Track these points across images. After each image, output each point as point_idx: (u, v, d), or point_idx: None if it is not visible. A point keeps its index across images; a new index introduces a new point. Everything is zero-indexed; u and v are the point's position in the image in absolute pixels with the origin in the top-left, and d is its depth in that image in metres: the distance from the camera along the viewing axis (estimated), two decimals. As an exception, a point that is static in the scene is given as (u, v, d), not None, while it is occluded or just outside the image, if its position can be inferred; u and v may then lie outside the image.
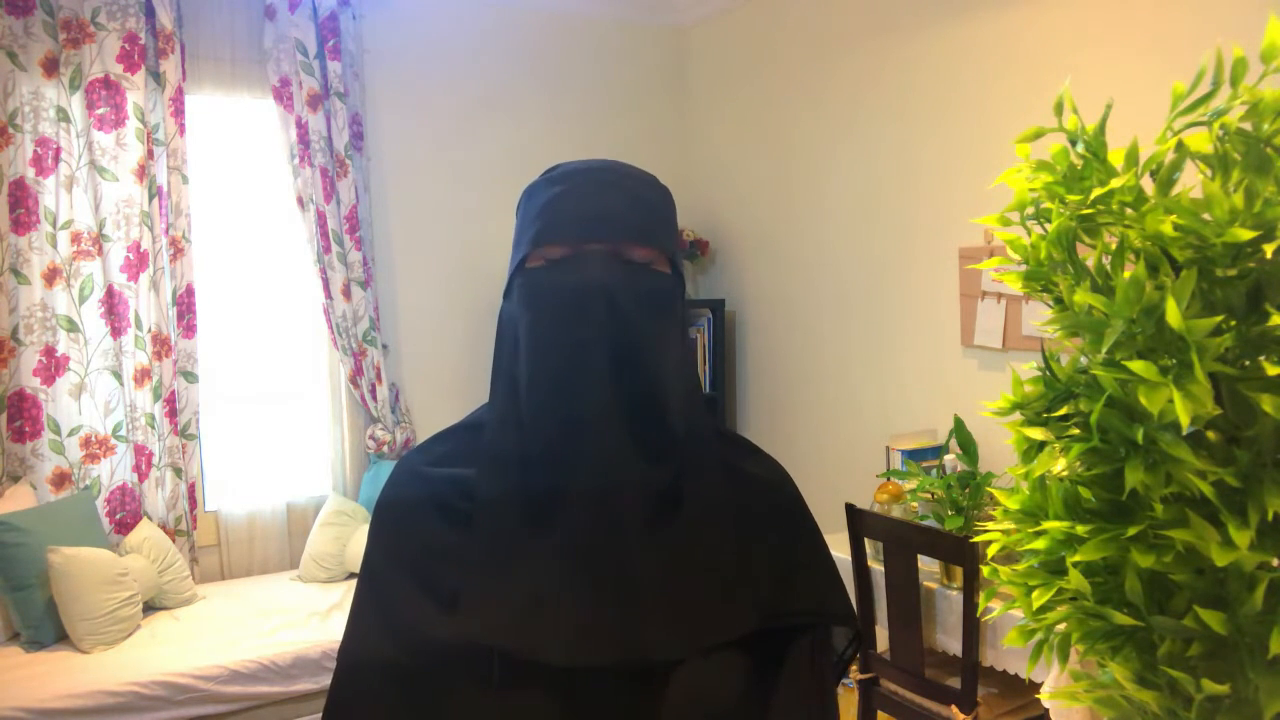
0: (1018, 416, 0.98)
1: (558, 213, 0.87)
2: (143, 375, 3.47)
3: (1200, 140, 0.89)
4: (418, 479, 0.92)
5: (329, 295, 3.79)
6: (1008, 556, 1.23)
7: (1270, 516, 0.81)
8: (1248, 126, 0.87)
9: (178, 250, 3.55)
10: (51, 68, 3.33)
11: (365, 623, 0.89)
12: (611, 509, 0.82)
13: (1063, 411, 0.93)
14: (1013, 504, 0.99)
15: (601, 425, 0.83)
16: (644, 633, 0.81)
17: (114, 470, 3.45)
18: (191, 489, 3.62)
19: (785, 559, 0.94)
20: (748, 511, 0.93)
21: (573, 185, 0.89)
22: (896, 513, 2.81)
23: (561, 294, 0.85)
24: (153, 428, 3.49)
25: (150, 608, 3.29)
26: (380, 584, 0.89)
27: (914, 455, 3.08)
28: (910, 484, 2.81)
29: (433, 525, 0.88)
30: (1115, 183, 0.89)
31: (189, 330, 3.60)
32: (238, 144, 3.79)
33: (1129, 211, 0.89)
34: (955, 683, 2.51)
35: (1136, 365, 0.81)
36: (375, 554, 0.91)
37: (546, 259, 0.88)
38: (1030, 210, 0.99)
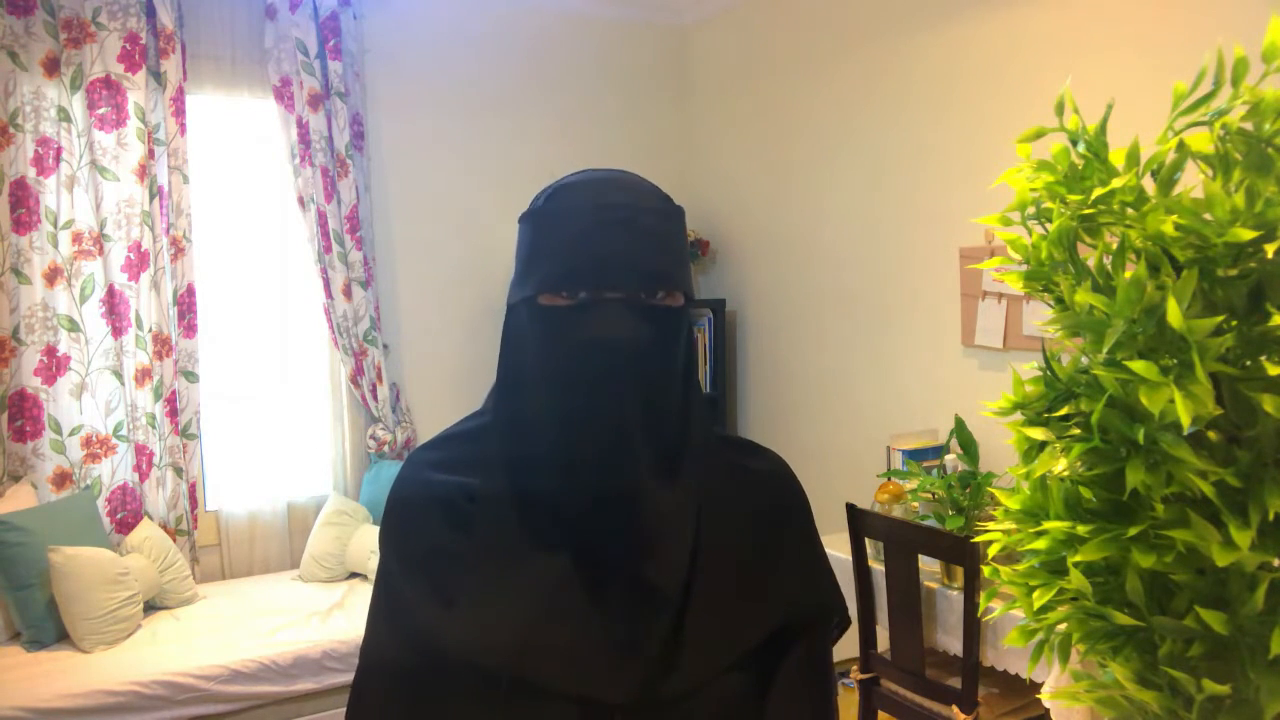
0: (1018, 416, 0.98)
1: (572, 256, 0.85)
2: (143, 375, 3.47)
3: (1201, 140, 0.89)
4: (428, 480, 0.91)
5: (330, 295, 3.79)
6: (1008, 556, 1.23)
7: (1271, 516, 0.81)
8: (1249, 126, 0.87)
9: (178, 250, 3.55)
10: (52, 67, 3.33)
11: (379, 625, 0.90)
12: (625, 533, 0.82)
13: (1063, 411, 0.93)
14: (1013, 504, 0.99)
15: (616, 460, 0.83)
16: (653, 670, 0.81)
17: (115, 470, 3.45)
18: (192, 488, 3.62)
19: (794, 557, 0.94)
20: (757, 512, 0.93)
21: (585, 223, 0.85)
22: (897, 513, 2.80)
23: (578, 345, 0.84)
24: (153, 427, 3.49)
25: (151, 607, 3.29)
26: (394, 586, 0.89)
27: (915, 455, 3.08)
28: (911, 484, 2.81)
29: (442, 529, 0.88)
30: (1116, 182, 0.89)
31: (190, 330, 3.60)
32: (238, 144, 3.79)
33: (1130, 211, 0.89)
34: (956, 683, 2.51)
35: (1137, 365, 0.81)
36: (389, 555, 0.91)
37: (560, 301, 0.86)
38: (1031, 210, 0.99)
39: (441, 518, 0.88)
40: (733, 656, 0.85)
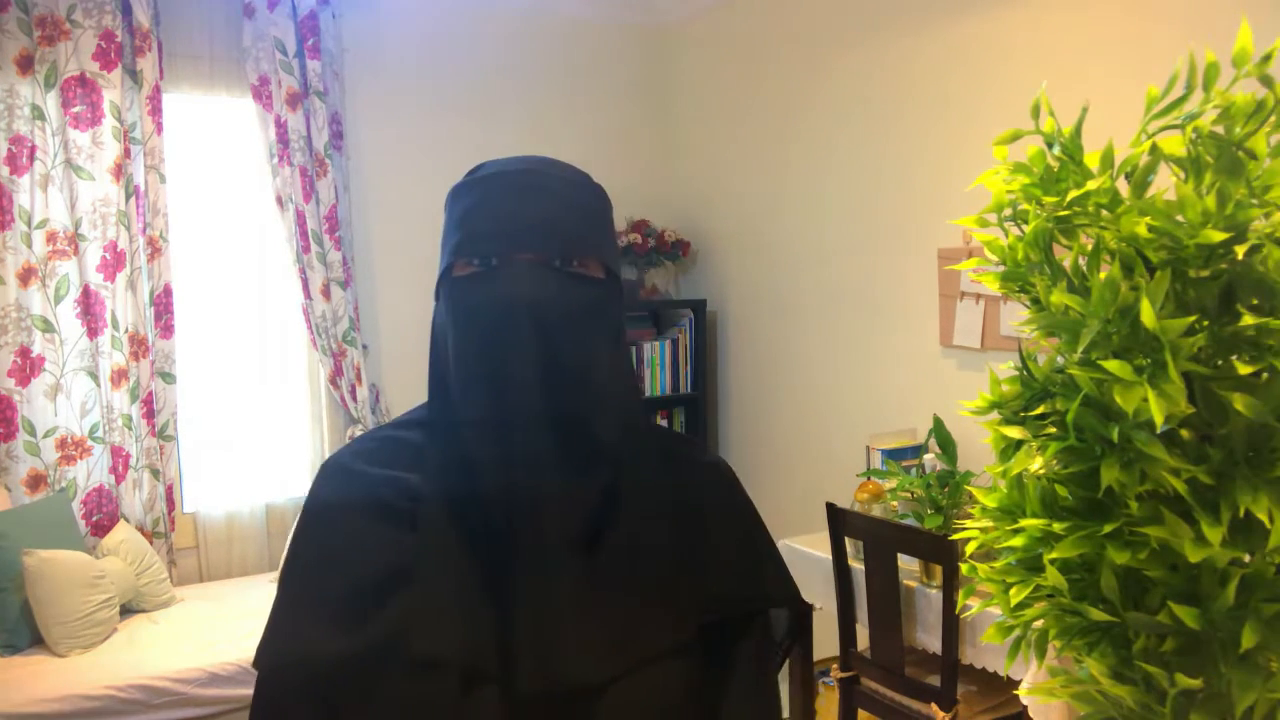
0: (996, 415, 0.99)
1: (482, 220, 0.83)
2: (120, 376, 3.43)
3: (1174, 143, 0.90)
4: (352, 478, 0.89)
5: (308, 295, 3.76)
6: (986, 554, 1.24)
7: (1242, 513, 0.82)
8: (1220, 130, 0.88)
9: (155, 250, 3.52)
10: (26, 65, 3.29)
11: (293, 623, 0.85)
12: (537, 523, 0.80)
13: (1040, 410, 0.94)
14: (991, 502, 1.00)
15: (529, 439, 0.81)
16: (564, 655, 0.79)
17: (90, 472, 3.41)
18: (169, 490, 3.58)
19: (726, 544, 0.93)
20: (686, 497, 0.92)
21: (498, 189, 0.84)
22: (877, 512, 2.82)
23: (486, 308, 0.82)
24: (130, 429, 3.45)
25: (127, 610, 3.25)
26: (310, 584, 0.86)
27: (894, 454, 3.10)
28: (890, 483, 2.83)
29: (364, 527, 0.85)
30: (1091, 185, 0.90)
31: (167, 330, 3.57)
32: (216, 143, 3.76)
33: (1104, 213, 0.90)
34: (935, 680, 2.52)
35: (1112, 365, 0.82)
36: (307, 553, 0.88)
37: (471, 268, 0.84)
38: (1008, 212, 1.00)
39: (367, 515, 0.86)
40: (649, 650, 0.83)
